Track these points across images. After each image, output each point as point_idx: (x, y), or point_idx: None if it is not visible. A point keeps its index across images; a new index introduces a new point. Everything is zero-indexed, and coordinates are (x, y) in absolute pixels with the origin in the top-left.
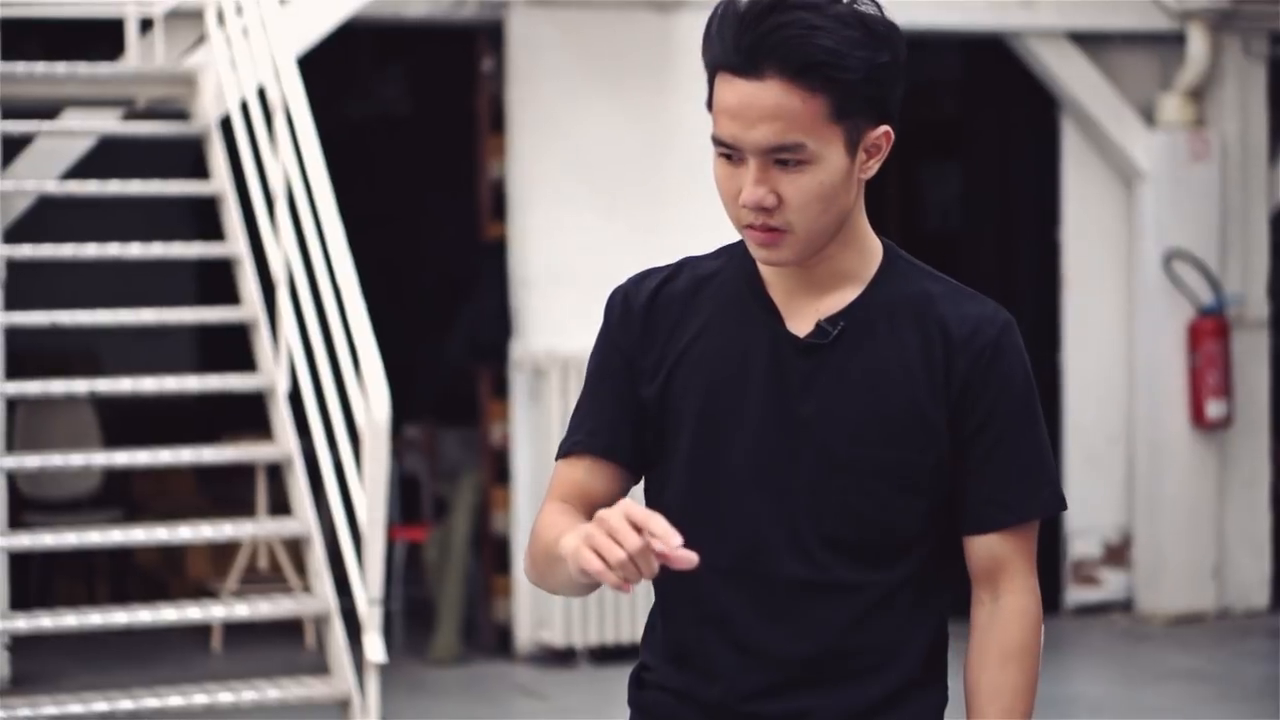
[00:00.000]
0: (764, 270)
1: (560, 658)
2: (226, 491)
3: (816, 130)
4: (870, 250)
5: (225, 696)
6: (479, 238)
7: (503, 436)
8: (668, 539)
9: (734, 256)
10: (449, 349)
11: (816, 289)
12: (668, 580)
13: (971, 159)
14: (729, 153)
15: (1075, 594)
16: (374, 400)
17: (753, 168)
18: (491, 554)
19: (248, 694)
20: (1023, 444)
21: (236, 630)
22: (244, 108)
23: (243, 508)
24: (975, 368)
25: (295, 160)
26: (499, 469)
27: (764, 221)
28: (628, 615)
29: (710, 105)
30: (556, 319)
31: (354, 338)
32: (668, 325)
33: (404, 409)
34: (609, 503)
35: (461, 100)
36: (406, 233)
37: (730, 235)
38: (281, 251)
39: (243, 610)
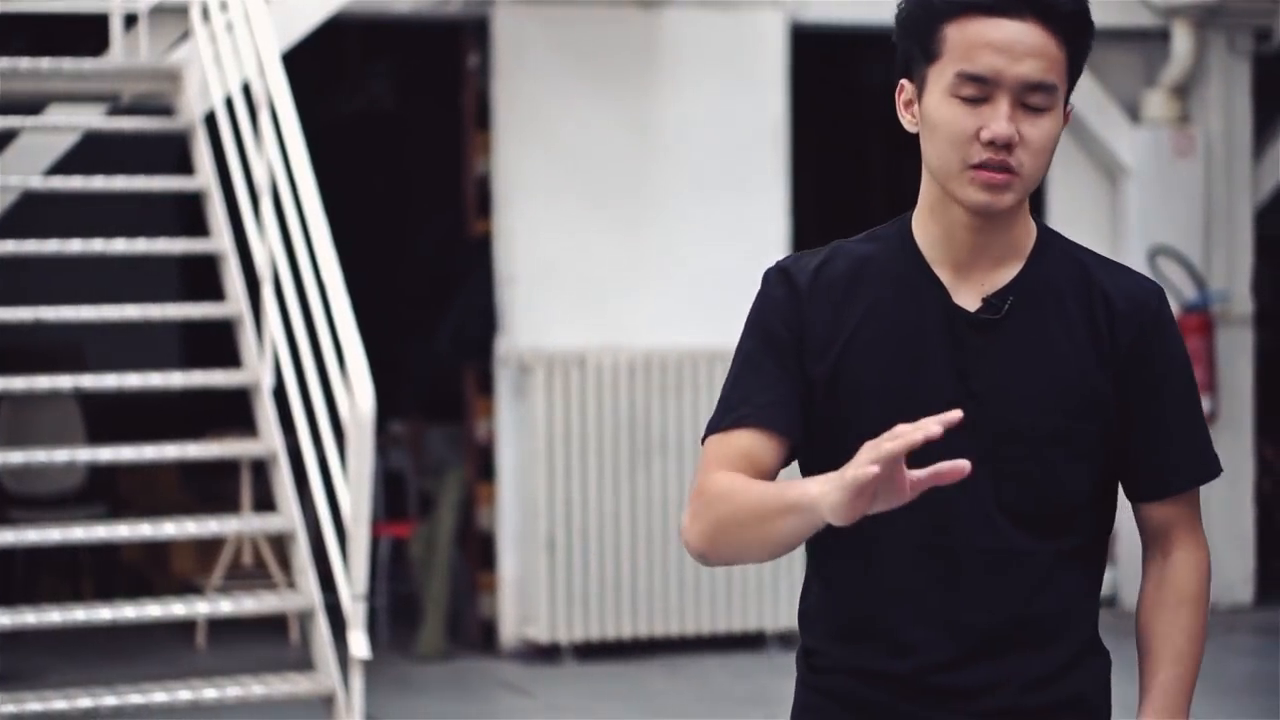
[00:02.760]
0: (925, 248)
1: (545, 654)
2: (211, 488)
3: (1060, 79)
4: (1030, 224)
5: (210, 693)
6: (464, 234)
7: (488, 433)
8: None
9: (888, 239)
10: (435, 345)
11: (980, 264)
12: (845, 558)
13: None
14: (973, 93)
15: None
16: (358, 396)
17: (1005, 104)
18: (476, 550)
19: (232, 690)
20: (1186, 412)
21: (221, 626)
22: (229, 103)
23: (227, 504)
24: (1140, 338)
25: (280, 156)
26: (484, 465)
27: (1003, 159)
28: (612, 612)
29: (935, 52)
30: (542, 316)
31: (338, 334)
32: (832, 305)
33: (389, 405)
34: (772, 477)
35: (447, 96)
36: (392, 229)
37: (726, 230)
38: (266, 247)
39: (227, 606)
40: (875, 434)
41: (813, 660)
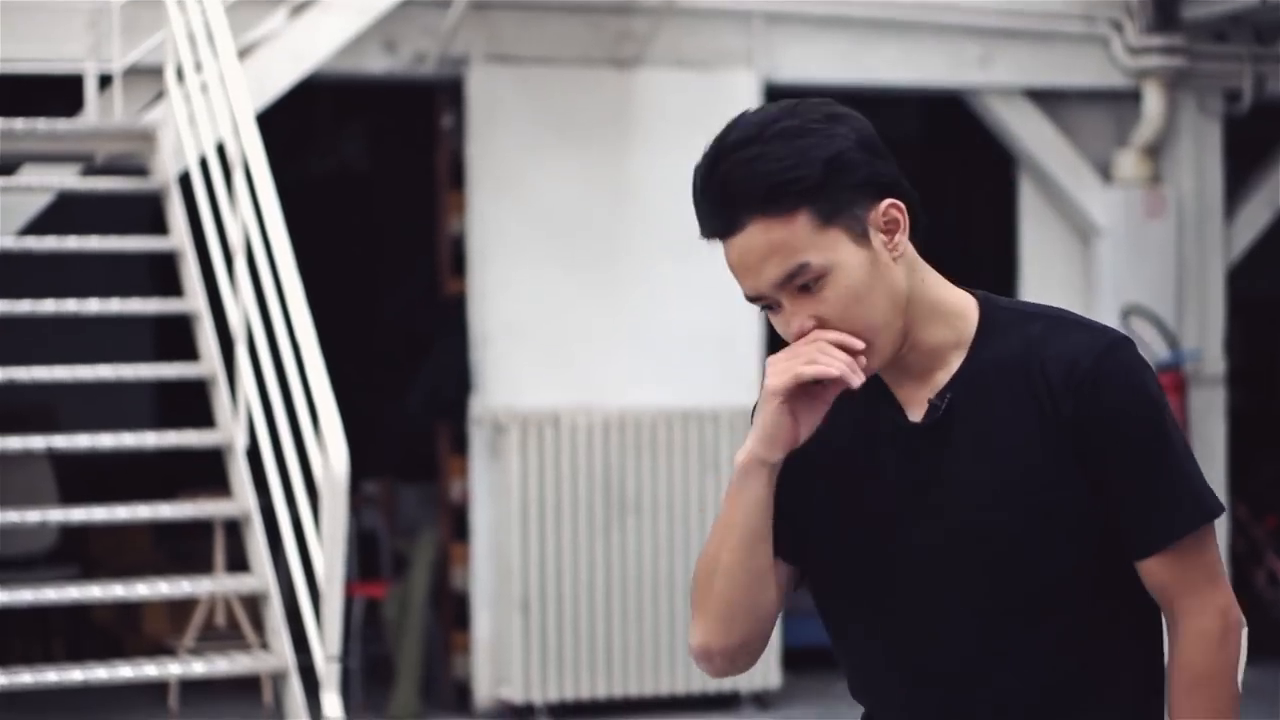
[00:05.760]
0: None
1: (520, 714)
2: (184, 548)
3: (814, 245)
4: (959, 313)
5: None
6: (438, 294)
7: (462, 493)
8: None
9: None
10: (408, 405)
11: (922, 370)
12: (871, 695)
13: (929, 215)
14: (764, 305)
15: None
16: (332, 456)
17: (785, 304)
18: (450, 610)
19: None
20: (1151, 464)
21: (194, 687)
22: (203, 164)
23: (200, 564)
24: (1080, 404)
25: (254, 216)
26: (458, 525)
27: None
28: (587, 672)
29: None
30: (516, 375)
31: (312, 394)
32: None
33: (362, 465)
34: (779, 593)
35: (421, 157)
36: (366, 289)
37: (700, 290)
38: (240, 307)
39: (200, 668)
40: (842, 557)
41: None
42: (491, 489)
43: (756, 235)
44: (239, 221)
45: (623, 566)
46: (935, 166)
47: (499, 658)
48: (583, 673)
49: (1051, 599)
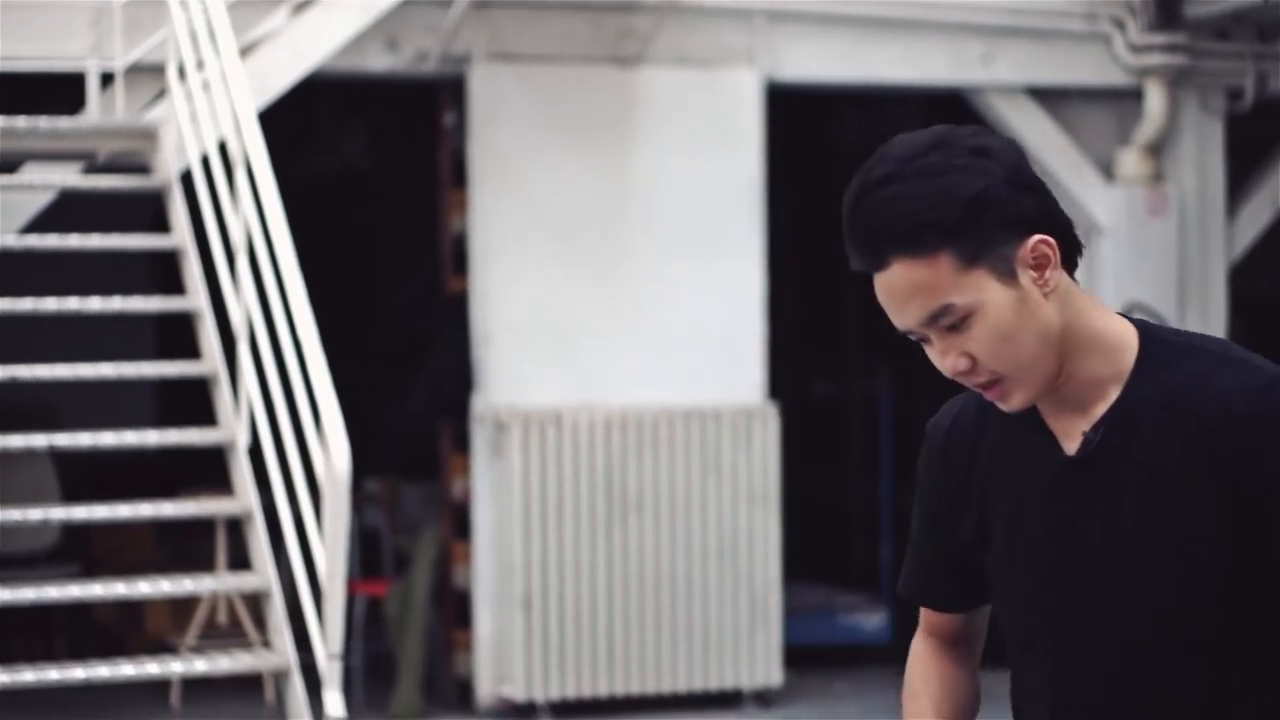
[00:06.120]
0: None
1: (521, 712)
2: (186, 546)
3: (958, 286)
4: (1118, 345)
5: None
6: (440, 292)
7: (464, 491)
8: None
9: None
10: (410, 403)
11: (1079, 403)
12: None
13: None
14: (916, 339)
15: None
16: (334, 454)
17: (935, 341)
18: (452, 608)
19: None
20: None
21: (195, 686)
22: (205, 162)
23: (202, 562)
24: (1235, 452)
25: (256, 214)
26: (460, 523)
27: (975, 382)
28: (588, 670)
29: None
30: (518, 373)
31: (314, 392)
32: (958, 461)
33: (364, 463)
34: (964, 636)
35: (423, 155)
36: (368, 287)
37: (702, 288)
38: (242, 305)
39: (202, 665)
40: (1008, 595)
41: None
42: (493, 487)
43: (900, 275)
44: (241, 219)
45: (625, 565)
46: None
47: (501, 656)
48: (585, 671)
49: (1190, 640)
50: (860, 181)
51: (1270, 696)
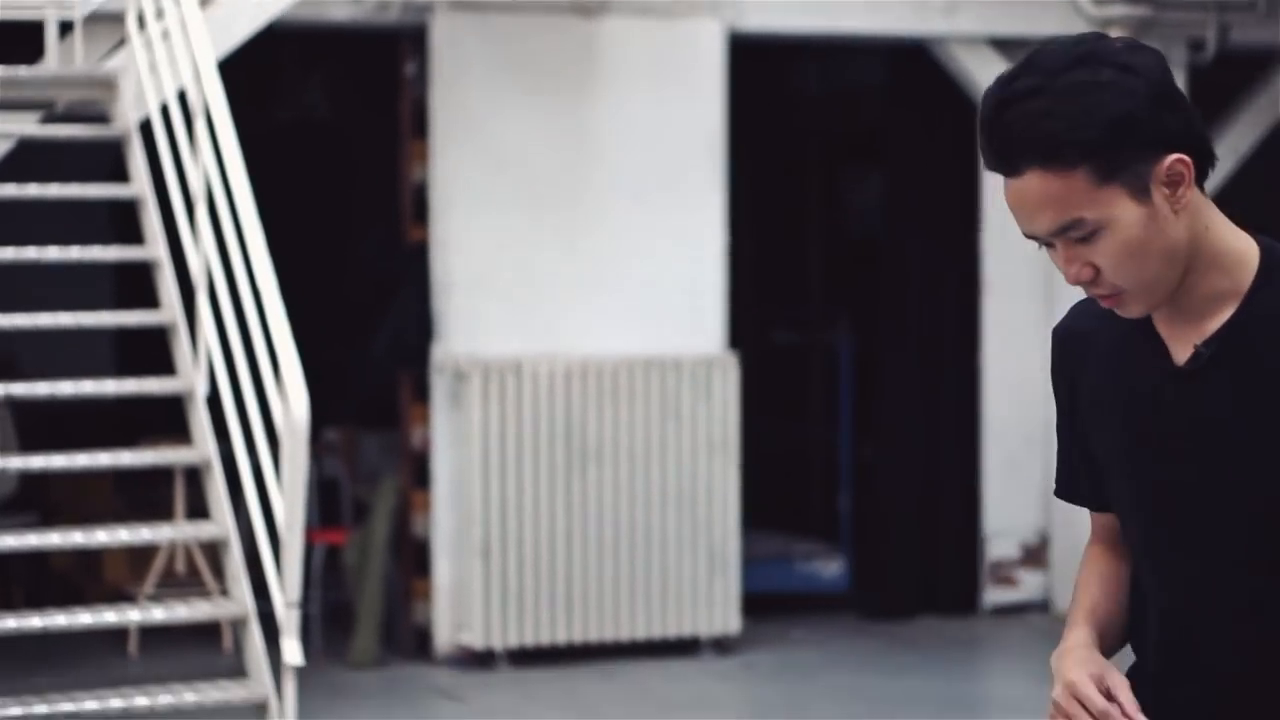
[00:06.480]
0: None
1: (480, 660)
2: (144, 496)
3: (1091, 201)
4: (1240, 263)
5: (141, 701)
6: (401, 242)
7: (423, 440)
8: (1133, 714)
9: None
10: (371, 353)
11: (1194, 314)
12: (1138, 616)
13: (894, 165)
14: (1040, 243)
15: (993, 595)
16: (293, 403)
17: (1060, 250)
18: (411, 557)
19: (164, 698)
20: None
21: (154, 634)
22: (164, 110)
23: (160, 512)
24: None
25: (215, 163)
26: (419, 472)
27: (1096, 293)
28: (547, 618)
29: None
30: (478, 323)
31: (273, 341)
32: (1075, 365)
33: (324, 413)
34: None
35: (384, 104)
36: (328, 237)
37: (663, 237)
38: (201, 255)
39: (159, 614)
40: (1119, 499)
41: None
42: (453, 436)
43: (1033, 184)
44: (200, 169)
45: (584, 513)
46: (899, 116)
47: (459, 604)
48: (543, 618)
49: None
50: (1003, 89)
51: None
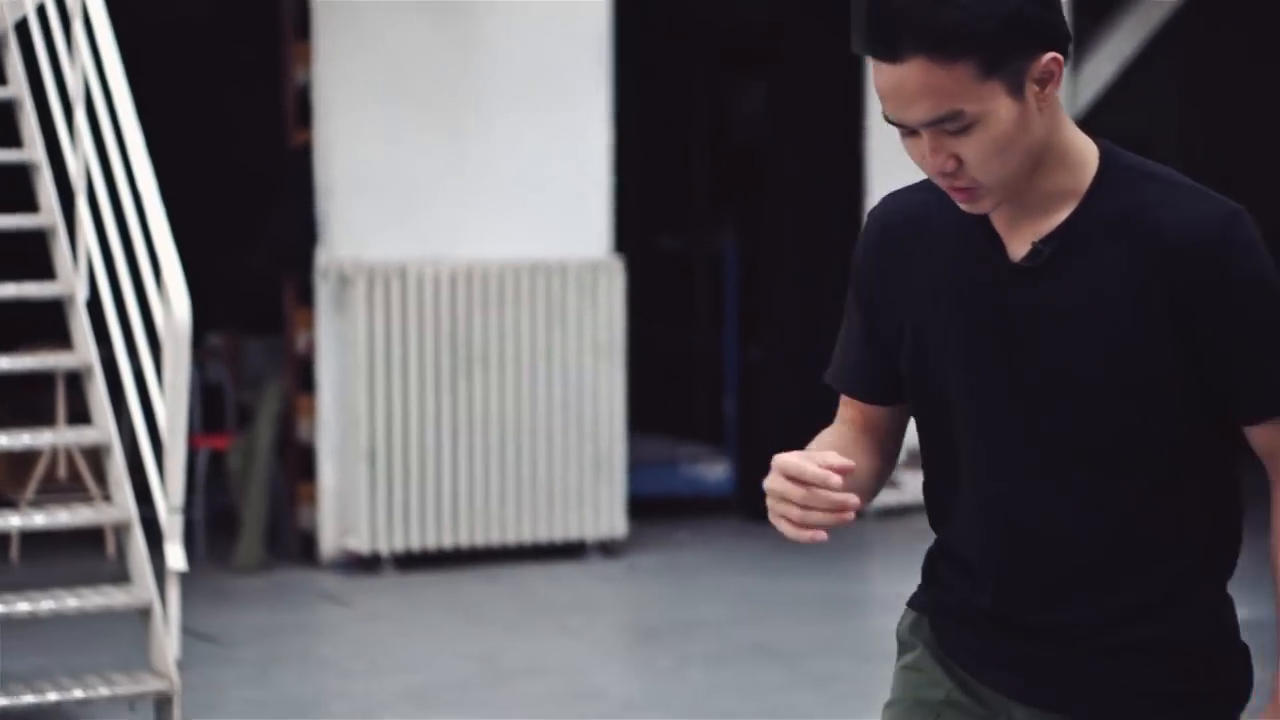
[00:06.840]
0: None
1: (365, 564)
2: (25, 401)
3: (970, 94)
4: (1082, 163)
5: (23, 606)
6: (283, 144)
7: (307, 344)
8: (825, 480)
9: None
10: (254, 257)
11: (1034, 211)
12: (945, 527)
13: (779, 69)
14: (900, 130)
15: (878, 498)
16: (175, 307)
17: (925, 140)
18: (296, 462)
19: (46, 604)
20: (1271, 334)
21: (35, 540)
22: (41, 11)
23: (42, 417)
24: (1199, 271)
25: (94, 65)
26: (304, 377)
27: (952, 184)
28: (433, 522)
29: None
30: (362, 227)
31: (154, 245)
32: (896, 253)
33: (207, 318)
34: (879, 430)
35: (266, 4)
36: (209, 139)
37: (548, 140)
38: (80, 158)
39: (41, 520)
40: (930, 395)
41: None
42: (337, 341)
43: (915, 72)
44: (78, 70)
45: (469, 418)
46: (785, 20)
47: (344, 509)
48: (429, 523)
49: (1123, 455)
50: None
51: (1191, 509)
